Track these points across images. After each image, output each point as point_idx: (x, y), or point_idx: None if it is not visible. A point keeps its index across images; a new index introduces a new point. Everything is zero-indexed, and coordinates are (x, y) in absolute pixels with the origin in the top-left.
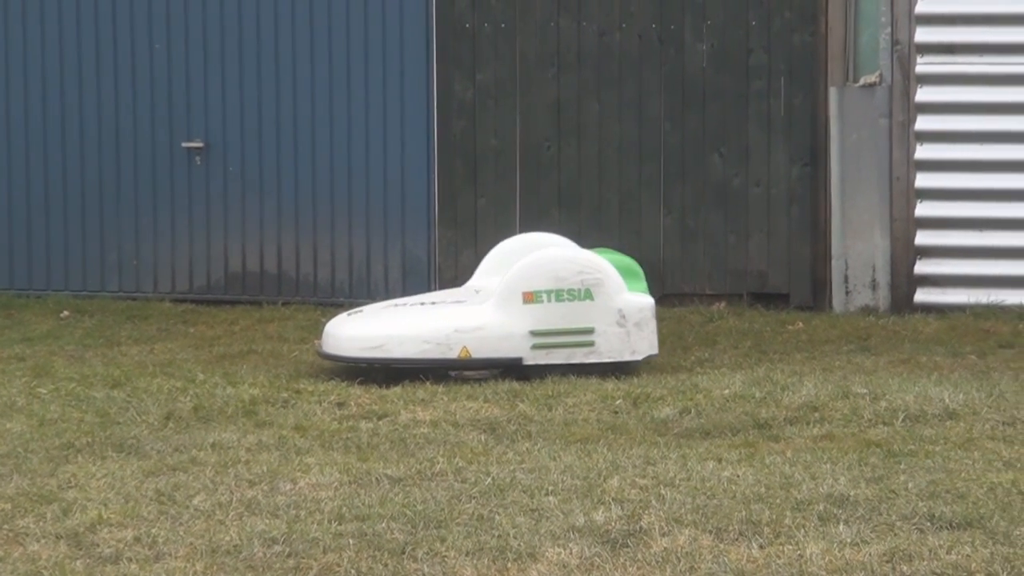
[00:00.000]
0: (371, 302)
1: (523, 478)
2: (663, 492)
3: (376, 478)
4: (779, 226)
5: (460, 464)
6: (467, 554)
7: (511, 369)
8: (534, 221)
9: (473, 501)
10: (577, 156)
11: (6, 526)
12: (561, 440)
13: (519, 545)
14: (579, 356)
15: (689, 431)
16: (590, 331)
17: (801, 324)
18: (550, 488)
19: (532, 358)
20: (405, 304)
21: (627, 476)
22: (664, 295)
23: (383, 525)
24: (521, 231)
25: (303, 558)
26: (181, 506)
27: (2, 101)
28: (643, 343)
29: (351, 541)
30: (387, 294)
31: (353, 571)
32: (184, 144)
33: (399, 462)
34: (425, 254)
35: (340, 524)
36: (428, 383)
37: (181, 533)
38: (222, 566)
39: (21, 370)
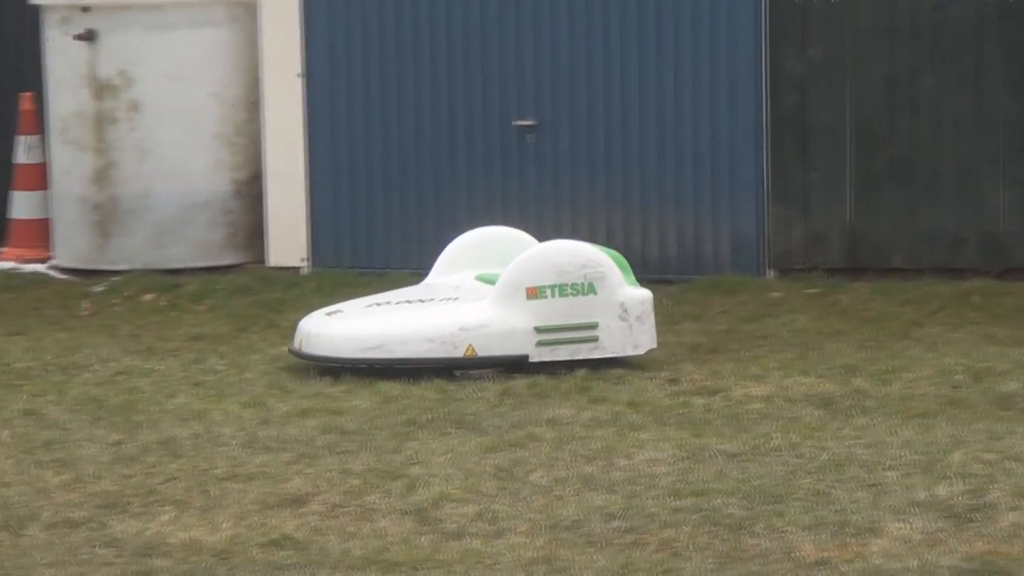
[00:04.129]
0: (700, 279)
1: (861, 453)
2: (1010, 467)
3: (711, 454)
4: None
5: (795, 439)
6: (806, 529)
7: (515, 366)
8: (866, 196)
9: (810, 476)
10: (911, 131)
11: (356, 502)
12: (899, 415)
13: (859, 520)
14: (583, 352)
15: None
16: (594, 326)
17: None
18: (889, 463)
19: (537, 355)
20: (389, 303)
21: (971, 451)
22: (1007, 270)
23: (720, 500)
24: (853, 207)
25: (641, 533)
26: (520, 482)
27: (342, 83)
28: (644, 337)
29: (689, 516)
30: (716, 270)
31: (691, 546)
32: (516, 122)
33: (734, 437)
34: (754, 230)
35: (677, 500)
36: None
37: (521, 509)
38: (562, 541)
39: None
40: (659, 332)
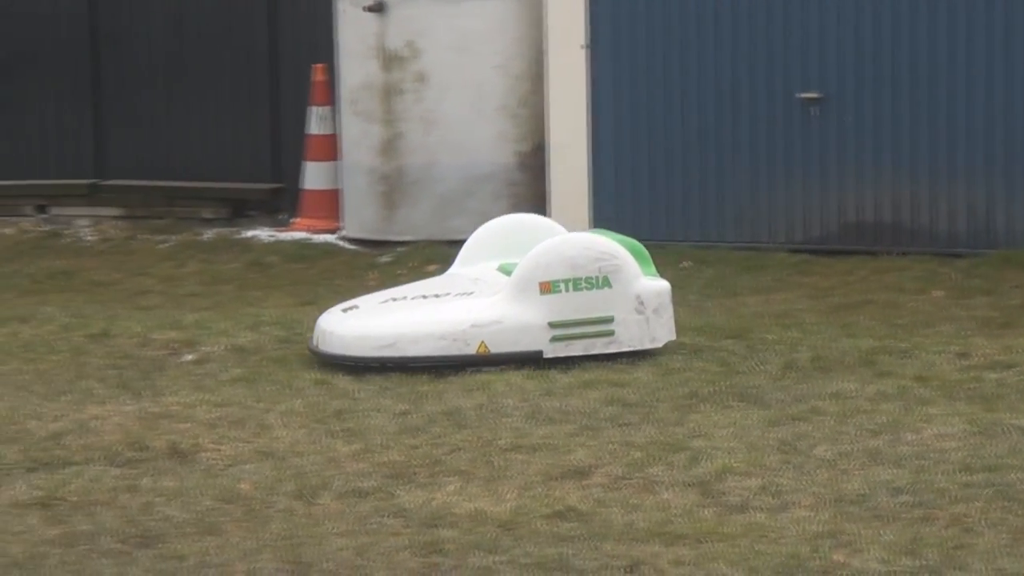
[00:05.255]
0: (991, 253)
1: None
2: None
3: (1004, 428)
4: None
5: None
6: None
7: (529, 362)
8: None
9: None
10: None
11: (639, 474)
12: None
13: None
14: (599, 346)
15: None
16: (609, 320)
17: None
18: None
19: (552, 351)
20: (405, 297)
21: None
22: None
23: (1014, 476)
24: None
25: (931, 508)
26: (804, 455)
27: (626, 54)
28: (662, 329)
29: (981, 491)
30: (1009, 244)
31: (983, 522)
32: (800, 95)
33: None
34: None
35: (968, 475)
36: None
37: (805, 482)
38: (848, 515)
39: None
40: (948, 306)
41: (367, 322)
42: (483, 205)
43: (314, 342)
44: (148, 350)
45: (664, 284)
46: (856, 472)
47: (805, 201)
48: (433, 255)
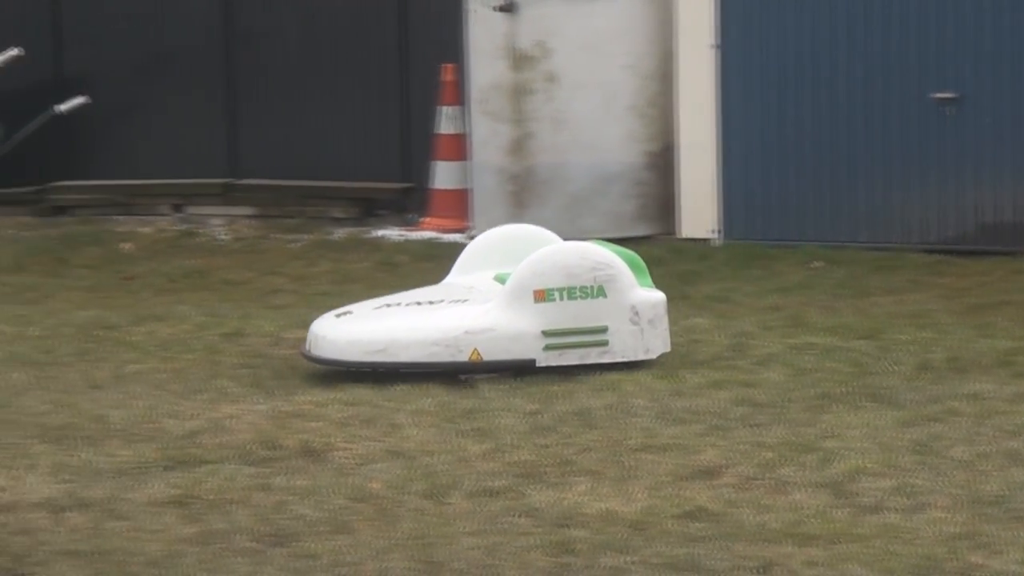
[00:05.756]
0: None
1: None
2: None
3: None
4: None
5: None
6: None
7: (521, 370)
8: None
9: None
10: None
11: (770, 475)
12: None
13: None
14: (593, 356)
15: None
16: (603, 330)
17: None
18: None
19: (545, 359)
20: (399, 304)
21: None
22: None
23: None
24: None
25: None
26: (939, 456)
27: (756, 54)
28: (656, 341)
29: None
30: None
31: None
32: (934, 95)
33: None
34: None
35: None
36: None
37: (941, 483)
38: (986, 517)
39: (777, 320)
40: None
41: (359, 327)
42: (612, 205)
43: (307, 347)
44: (280, 349)
45: (660, 295)
46: (994, 473)
47: (940, 201)
48: None
